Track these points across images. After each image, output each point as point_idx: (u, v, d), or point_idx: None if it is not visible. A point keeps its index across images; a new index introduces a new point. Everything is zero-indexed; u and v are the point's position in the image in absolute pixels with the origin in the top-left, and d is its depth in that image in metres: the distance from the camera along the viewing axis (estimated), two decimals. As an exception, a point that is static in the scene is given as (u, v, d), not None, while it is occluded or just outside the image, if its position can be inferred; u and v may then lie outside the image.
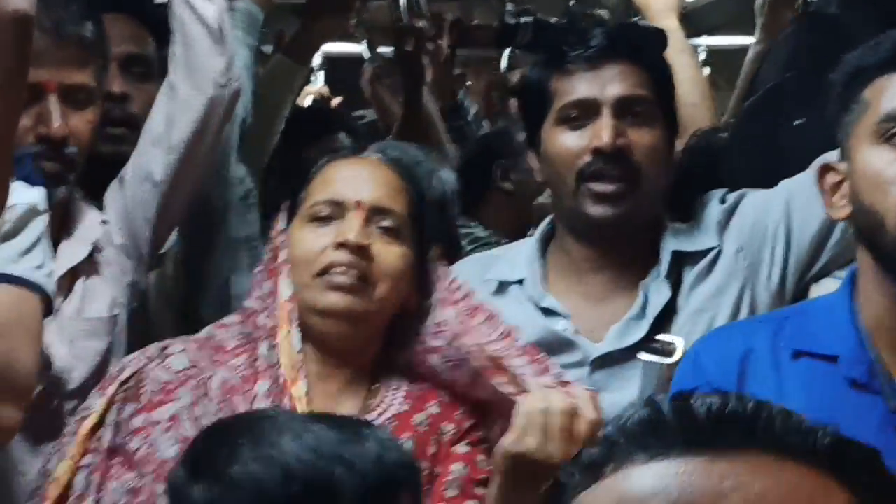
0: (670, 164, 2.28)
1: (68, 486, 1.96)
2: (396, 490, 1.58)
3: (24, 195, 2.06)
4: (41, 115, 2.20)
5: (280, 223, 2.09)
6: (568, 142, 2.20)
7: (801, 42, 2.64)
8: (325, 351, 2.02)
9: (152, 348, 2.07)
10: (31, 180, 2.09)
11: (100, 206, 2.41)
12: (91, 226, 2.35)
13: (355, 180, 2.06)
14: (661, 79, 2.27)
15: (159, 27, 2.59)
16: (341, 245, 1.99)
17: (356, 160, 2.11)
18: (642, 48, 2.28)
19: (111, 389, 2.01)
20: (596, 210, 2.18)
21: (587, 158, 2.17)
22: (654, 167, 2.20)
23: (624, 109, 2.19)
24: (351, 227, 2.00)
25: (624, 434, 0.87)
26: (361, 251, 1.99)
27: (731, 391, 1.77)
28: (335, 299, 1.99)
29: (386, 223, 2.03)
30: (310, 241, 2.03)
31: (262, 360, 1.99)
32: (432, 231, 2.12)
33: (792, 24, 2.83)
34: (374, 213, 2.03)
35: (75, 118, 2.25)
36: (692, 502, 0.81)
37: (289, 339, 2.00)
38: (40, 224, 2.07)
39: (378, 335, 2.05)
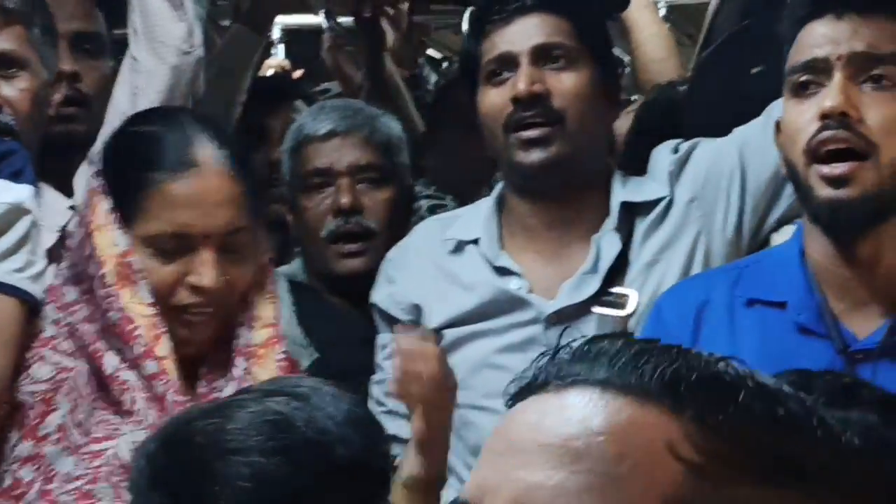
0: (606, 108, 2.29)
1: None
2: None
3: (7, 194, 2.01)
4: None
5: (104, 219, 1.95)
6: (492, 97, 2.24)
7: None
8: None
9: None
10: (21, 177, 2.04)
11: (65, 191, 2.38)
12: (57, 211, 2.30)
13: (197, 209, 1.92)
14: (586, 25, 2.27)
15: (109, 5, 2.57)
16: (196, 289, 1.92)
17: (190, 176, 1.93)
18: None
19: None
20: (525, 157, 2.19)
21: (509, 109, 2.20)
22: (578, 110, 2.20)
23: (540, 57, 2.22)
24: (205, 271, 1.91)
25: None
26: (218, 291, 1.92)
27: (686, 343, 1.82)
28: (187, 334, 1.94)
29: (236, 243, 1.95)
30: (160, 276, 1.92)
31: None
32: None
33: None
34: (223, 239, 1.93)
35: (6, 87, 2.22)
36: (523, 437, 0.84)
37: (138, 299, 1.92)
38: (25, 223, 2.02)
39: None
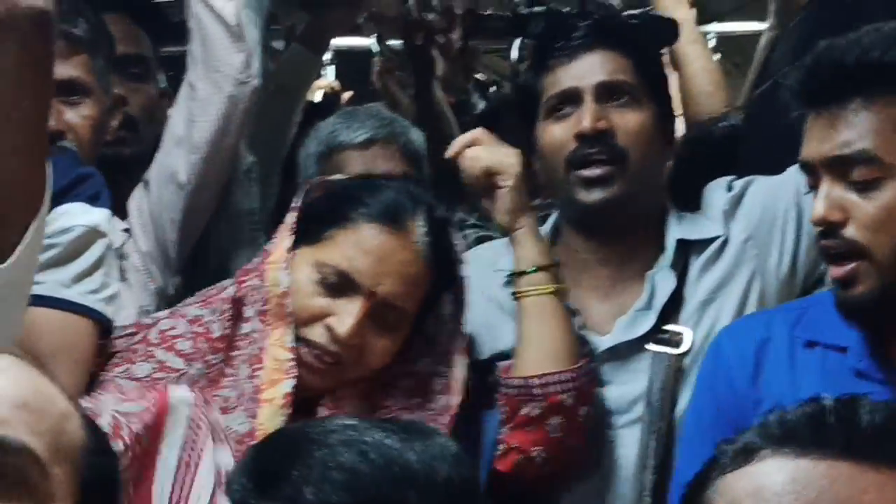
0: (663, 146, 2.28)
1: None
2: None
3: (85, 217, 2.04)
4: None
5: (280, 256, 1.99)
6: (555, 132, 2.23)
7: (812, 26, 2.63)
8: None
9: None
10: (98, 201, 2.06)
11: (116, 213, 2.40)
12: (113, 232, 2.28)
13: (377, 264, 1.95)
14: (646, 64, 2.28)
15: (155, 26, 2.58)
16: (329, 331, 1.94)
17: (390, 234, 1.97)
18: (622, 36, 2.30)
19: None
20: (587, 196, 2.19)
21: (573, 146, 2.20)
22: (640, 149, 2.21)
23: (605, 95, 2.22)
24: (346, 320, 1.92)
25: (783, 425, 0.87)
26: (348, 347, 1.94)
27: (747, 379, 1.81)
28: (305, 373, 1.94)
29: (390, 318, 1.96)
30: (308, 304, 1.95)
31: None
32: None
33: (804, 8, 2.82)
34: (382, 306, 1.95)
35: (70, 113, 2.25)
36: None
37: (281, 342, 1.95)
38: (101, 246, 2.05)
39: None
